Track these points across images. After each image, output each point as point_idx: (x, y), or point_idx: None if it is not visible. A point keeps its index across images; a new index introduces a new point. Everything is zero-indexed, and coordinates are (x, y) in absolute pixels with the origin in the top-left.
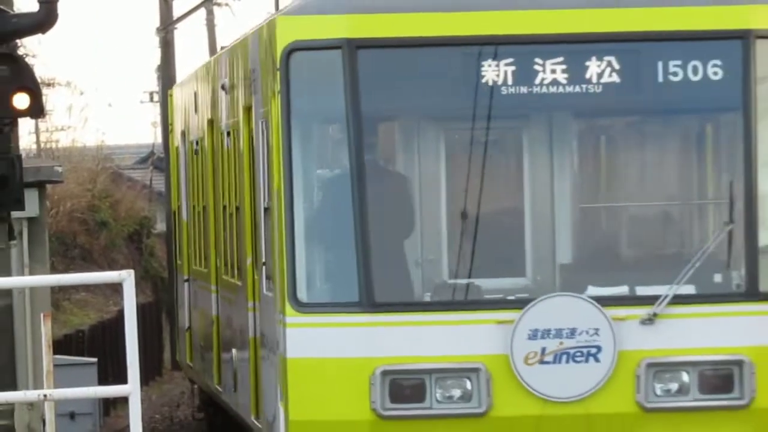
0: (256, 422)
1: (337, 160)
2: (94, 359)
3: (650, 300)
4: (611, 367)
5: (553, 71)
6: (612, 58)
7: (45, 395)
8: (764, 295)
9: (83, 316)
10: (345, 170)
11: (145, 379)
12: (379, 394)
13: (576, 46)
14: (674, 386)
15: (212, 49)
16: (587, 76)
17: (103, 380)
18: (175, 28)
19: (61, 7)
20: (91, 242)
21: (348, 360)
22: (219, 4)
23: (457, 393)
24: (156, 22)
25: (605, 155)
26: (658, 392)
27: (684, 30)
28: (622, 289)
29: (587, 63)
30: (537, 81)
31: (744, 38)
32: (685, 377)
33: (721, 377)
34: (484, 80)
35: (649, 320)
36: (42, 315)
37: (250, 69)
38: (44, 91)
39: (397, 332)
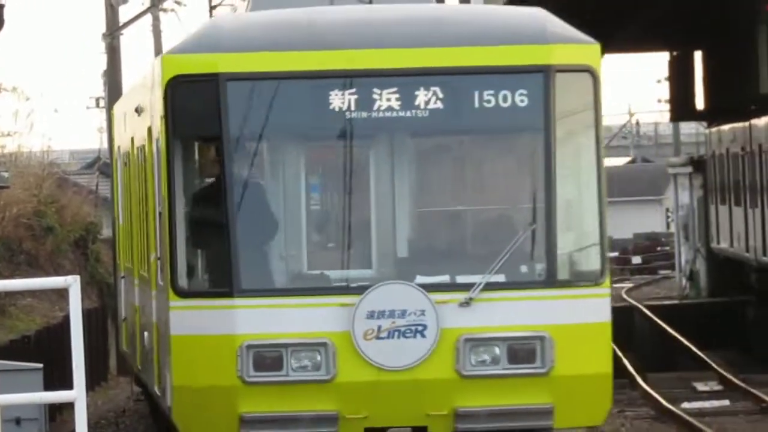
0: (157, 391)
1: (211, 173)
2: (40, 365)
3: (467, 287)
4: (435, 342)
5: (389, 99)
6: (437, 88)
7: None
8: (560, 283)
9: (29, 322)
10: (217, 181)
11: (91, 384)
12: (244, 364)
13: (407, 79)
14: (487, 357)
15: (158, 54)
16: (416, 103)
17: (49, 385)
18: (121, 34)
19: (7, 13)
20: (37, 248)
21: (219, 336)
22: (165, 10)
23: (308, 363)
24: (102, 27)
25: (433, 168)
26: (474, 362)
27: (496, 65)
28: (444, 278)
29: (416, 92)
30: (375, 107)
31: (545, 72)
32: (496, 350)
33: (525, 350)
34: (331, 107)
35: (466, 303)
36: None
37: (149, 96)
38: None
39: (260, 313)
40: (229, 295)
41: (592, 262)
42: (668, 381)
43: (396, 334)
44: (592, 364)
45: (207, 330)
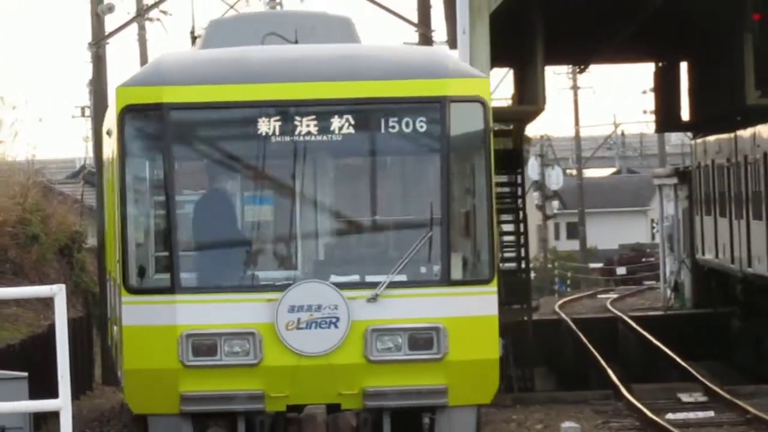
0: (119, 376)
1: (157, 188)
2: (25, 374)
3: (374, 285)
4: (346, 332)
5: (308, 125)
6: (349, 116)
7: None
8: (453, 282)
9: (14, 331)
10: (162, 195)
11: (76, 393)
12: (184, 350)
13: (323, 108)
14: (390, 345)
15: (144, 63)
16: (331, 128)
17: (34, 394)
18: (107, 43)
19: None
20: (21, 256)
21: (163, 327)
22: (151, 20)
23: (238, 350)
24: (88, 36)
25: (346, 184)
26: (379, 349)
27: (400, 96)
28: (355, 278)
29: (331, 119)
30: (296, 132)
31: (441, 102)
32: (398, 339)
33: (423, 339)
34: (259, 131)
35: (373, 299)
36: None
37: (114, 120)
38: None
39: (197, 308)
40: (171, 291)
41: (482, 265)
42: (653, 392)
43: (313, 325)
44: (481, 350)
45: (153, 321)
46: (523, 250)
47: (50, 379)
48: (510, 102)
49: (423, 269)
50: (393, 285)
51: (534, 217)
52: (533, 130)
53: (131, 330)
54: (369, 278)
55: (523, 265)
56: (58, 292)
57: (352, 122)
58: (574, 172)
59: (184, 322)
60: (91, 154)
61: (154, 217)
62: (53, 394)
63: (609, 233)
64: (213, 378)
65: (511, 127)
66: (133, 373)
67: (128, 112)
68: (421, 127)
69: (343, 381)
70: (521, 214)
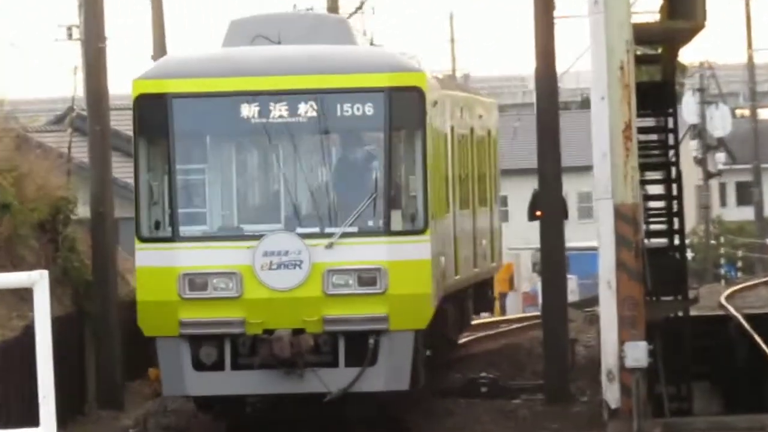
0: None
1: (163, 158)
2: None
3: (330, 235)
4: (308, 272)
5: (280, 110)
6: (312, 102)
7: None
8: (393, 233)
9: None
10: (166, 163)
11: (62, 419)
12: (182, 286)
13: (293, 96)
14: (343, 282)
15: None
16: (299, 112)
17: (6, 420)
18: None
19: None
20: None
21: (166, 268)
22: None
23: (224, 286)
24: None
25: (310, 156)
26: (334, 285)
27: (353, 87)
28: (315, 230)
29: (299, 105)
30: (271, 116)
31: (384, 91)
32: (349, 278)
33: (368, 278)
34: (242, 115)
35: (329, 246)
36: None
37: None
38: None
39: (193, 253)
40: (172, 240)
41: (417, 219)
42: None
43: (282, 266)
44: (415, 287)
45: (158, 263)
46: (676, 221)
47: (28, 400)
48: (657, 16)
49: (370, 222)
50: (345, 235)
51: (691, 176)
52: (690, 55)
53: (142, 271)
54: (327, 230)
55: (676, 242)
56: (38, 280)
57: (315, 107)
58: (747, 112)
59: (183, 264)
60: (81, 92)
61: (160, 182)
62: (32, 420)
63: None
64: (205, 308)
65: (659, 51)
66: (144, 304)
67: (141, 99)
68: (368, 110)
69: (306, 310)
70: (673, 171)
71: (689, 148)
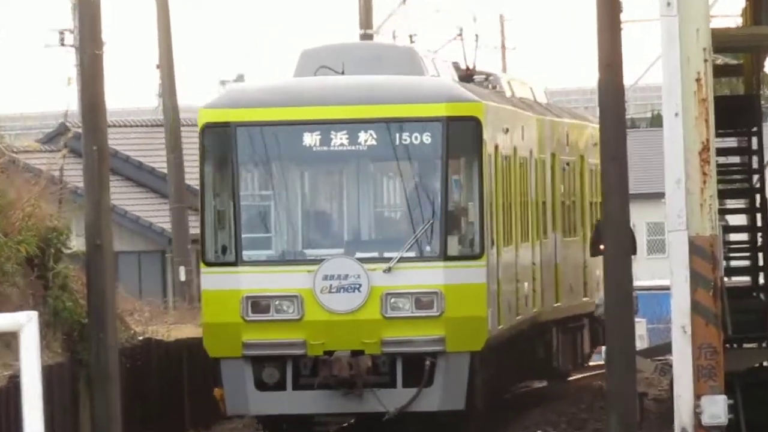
0: None
1: (227, 184)
2: None
3: (389, 259)
4: (367, 295)
5: (341, 138)
6: (372, 131)
7: None
8: (449, 257)
9: None
10: (230, 190)
11: None
12: (245, 308)
13: (353, 125)
14: (401, 305)
15: None
16: (359, 141)
17: None
18: None
19: None
20: None
21: (230, 290)
22: None
23: (286, 308)
24: None
25: (369, 183)
26: (392, 308)
27: (412, 116)
28: (374, 254)
29: (359, 134)
30: (332, 144)
31: (443, 121)
32: (407, 301)
33: (426, 301)
34: (304, 143)
35: (388, 270)
36: None
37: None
38: None
39: (256, 276)
40: (235, 264)
41: (474, 245)
42: None
43: (342, 290)
44: (470, 310)
45: (222, 287)
46: (760, 256)
47: None
48: (739, 20)
49: (427, 248)
50: (403, 260)
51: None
52: None
53: (207, 294)
54: (385, 254)
55: (761, 280)
56: (25, 323)
57: (375, 136)
58: None
59: (246, 287)
60: (75, 106)
61: (224, 208)
62: None
63: None
64: (266, 330)
65: (741, 61)
66: (209, 326)
67: (207, 129)
68: (427, 139)
69: (366, 332)
70: (758, 198)
71: None
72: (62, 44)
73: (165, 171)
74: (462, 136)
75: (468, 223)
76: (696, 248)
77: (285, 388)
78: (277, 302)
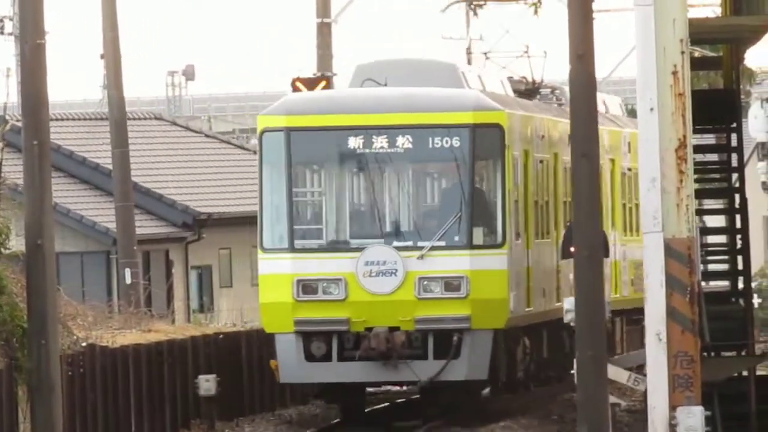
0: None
1: (282, 182)
2: None
3: (422, 248)
4: (402, 279)
5: (381, 142)
6: (408, 136)
7: None
8: (475, 246)
9: None
10: (283, 189)
11: None
12: (296, 290)
13: (392, 131)
14: (433, 287)
15: None
16: (397, 144)
17: None
18: None
19: None
20: None
21: (284, 275)
22: None
23: (331, 290)
24: None
25: (405, 181)
26: (424, 291)
27: (443, 123)
28: (409, 243)
29: (397, 138)
30: (374, 146)
31: (470, 127)
32: (437, 284)
33: (454, 284)
34: (349, 146)
35: (421, 258)
36: None
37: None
38: None
39: (305, 262)
40: (288, 251)
41: (496, 235)
42: None
43: (381, 274)
44: (493, 292)
45: (277, 271)
46: (740, 260)
47: None
48: (718, 10)
49: (456, 238)
50: (434, 248)
51: (759, 205)
52: (759, 57)
53: (264, 277)
54: (419, 243)
55: (740, 285)
56: None
57: (411, 140)
58: None
59: (297, 272)
60: (15, 98)
61: (280, 202)
62: None
63: None
64: (315, 309)
65: (720, 53)
66: (266, 305)
67: (265, 132)
68: (456, 143)
69: (401, 311)
70: (737, 198)
71: (757, 171)
72: (1, 33)
73: (110, 167)
74: (487, 140)
75: (492, 216)
76: (672, 251)
77: (331, 360)
78: (324, 284)
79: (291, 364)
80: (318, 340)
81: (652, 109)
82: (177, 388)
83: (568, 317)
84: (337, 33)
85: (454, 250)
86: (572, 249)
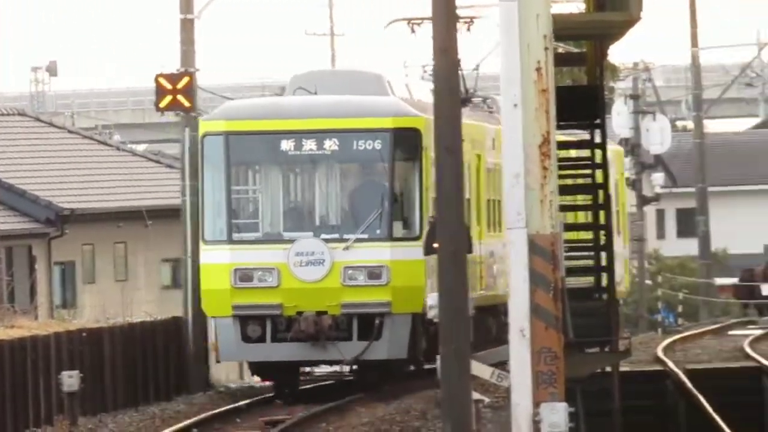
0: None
1: (220, 182)
2: None
3: (347, 240)
4: (329, 268)
5: (310, 145)
6: (335, 139)
7: None
8: (395, 239)
9: None
10: (223, 187)
11: None
12: (234, 278)
13: (319, 134)
14: (357, 276)
15: None
16: (324, 146)
17: None
18: None
19: None
20: None
21: (223, 264)
22: None
23: (266, 278)
24: None
25: (332, 179)
26: (349, 278)
27: (366, 127)
28: (336, 236)
29: (324, 141)
30: (303, 149)
31: (390, 131)
32: (361, 273)
33: (376, 273)
34: (281, 148)
35: (346, 248)
36: None
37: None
38: None
39: (244, 253)
40: (227, 243)
41: (414, 229)
42: None
43: (310, 264)
44: (411, 280)
45: (217, 261)
46: (603, 256)
47: None
48: (582, 6)
49: (377, 231)
50: (358, 240)
51: (623, 201)
52: (622, 54)
53: (205, 267)
54: (344, 236)
55: (604, 281)
56: None
57: (337, 143)
58: (690, 124)
59: (235, 261)
60: None
61: (220, 199)
62: None
63: (748, 227)
64: (251, 295)
65: (584, 49)
66: (206, 292)
67: (206, 136)
68: (378, 146)
69: (328, 297)
70: (601, 195)
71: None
72: None
73: None
74: (405, 143)
75: (410, 211)
76: (536, 247)
77: (265, 341)
78: (259, 273)
79: (229, 345)
80: (253, 323)
81: (515, 105)
82: (40, 384)
83: (432, 313)
84: (201, 29)
85: (376, 242)
86: (435, 245)
